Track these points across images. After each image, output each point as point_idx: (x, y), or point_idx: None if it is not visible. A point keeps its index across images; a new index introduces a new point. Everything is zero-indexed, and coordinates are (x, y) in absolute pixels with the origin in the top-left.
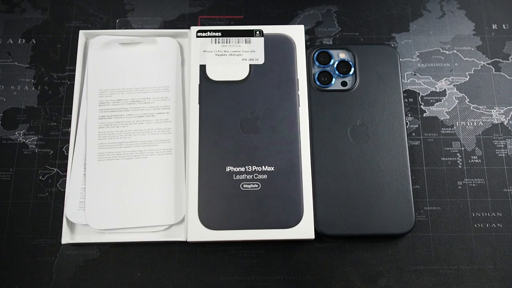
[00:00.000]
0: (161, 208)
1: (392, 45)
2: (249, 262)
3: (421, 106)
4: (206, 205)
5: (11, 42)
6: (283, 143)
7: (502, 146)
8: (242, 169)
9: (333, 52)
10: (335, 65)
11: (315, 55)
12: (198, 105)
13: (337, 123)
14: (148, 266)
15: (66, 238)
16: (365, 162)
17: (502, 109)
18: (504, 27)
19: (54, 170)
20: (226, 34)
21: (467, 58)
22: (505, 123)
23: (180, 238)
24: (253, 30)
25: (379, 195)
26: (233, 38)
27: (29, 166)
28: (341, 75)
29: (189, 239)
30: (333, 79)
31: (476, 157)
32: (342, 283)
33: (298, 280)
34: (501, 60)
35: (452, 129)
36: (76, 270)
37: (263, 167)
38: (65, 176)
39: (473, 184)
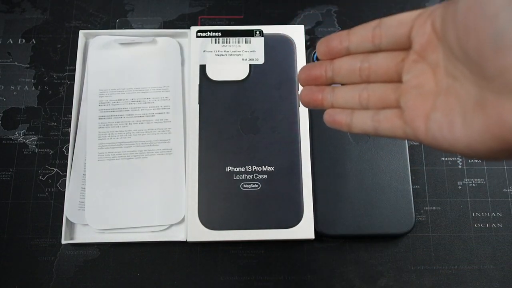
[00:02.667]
0: (161, 208)
1: None
2: (249, 262)
3: None
4: (206, 205)
5: (11, 42)
6: (283, 143)
7: None
8: (242, 169)
9: None
10: None
11: (315, 55)
12: (198, 105)
13: None
14: (148, 266)
15: (66, 238)
16: (365, 162)
17: None
18: None
19: (54, 170)
20: (226, 34)
21: None
22: None
23: (180, 238)
24: (253, 30)
25: (379, 195)
26: (233, 38)
27: (29, 166)
28: None
29: (189, 239)
30: None
31: None
32: (342, 283)
33: (298, 280)
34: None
35: None
36: (76, 270)
37: (263, 167)
38: (65, 176)
39: (473, 184)
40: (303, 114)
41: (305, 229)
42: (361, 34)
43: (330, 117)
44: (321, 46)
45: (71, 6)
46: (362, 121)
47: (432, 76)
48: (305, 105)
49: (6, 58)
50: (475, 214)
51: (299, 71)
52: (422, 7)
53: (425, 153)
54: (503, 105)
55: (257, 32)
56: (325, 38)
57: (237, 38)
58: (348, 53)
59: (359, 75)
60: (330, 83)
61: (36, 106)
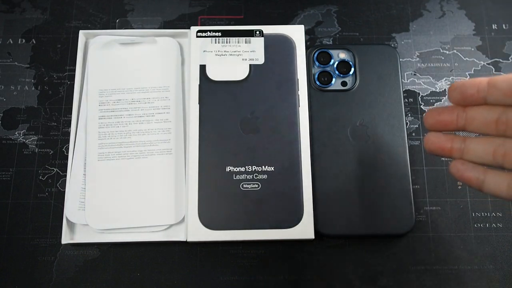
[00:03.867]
0: (161, 208)
1: (392, 45)
2: (249, 262)
3: (421, 106)
4: (206, 205)
5: (11, 42)
6: (283, 143)
7: None
8: (242, 169)
9: (333, 52)
10: (335, 65)
11: (315, 55)
12: (198, 105)
13: (337, 123)
14: (148, 266)
15: (66, 238)
16: (365, 162)
17: None
18: (504, 27)
19: (54, 170)
20: (226, 34)
21: (467, 58)
22: None
23: (180, 238)
24: (253, 30)
25: (379, 195)
26: (233, 38)
27: (29, 166)
28: (341, 75)
29: (189, 239)
30: (333, 79)
31: None
32: (342, 283)
33: (298, 280)
34: (501, 60)
35: None
36: (76, 270)
37: (263, 167)
38: (65, 176)
39: None
40: (303, 114)
41: (305, 229)
42: (504, 88)
43: (459, 172)
44: (454, 93)
45: (71, 6)
46: (495, 185)
47: None
48: (429, 151)
49: (6, 58)
50: (475, 214)
51: (426, 114)
52: (422, 7)
53: (425, 153)
54: None
55: (257, 32)
56: (460, 83)
57: (237, 38)
58: (484, 103)
59: (494, 128)
60: (459, 130)
61: (36, 106)
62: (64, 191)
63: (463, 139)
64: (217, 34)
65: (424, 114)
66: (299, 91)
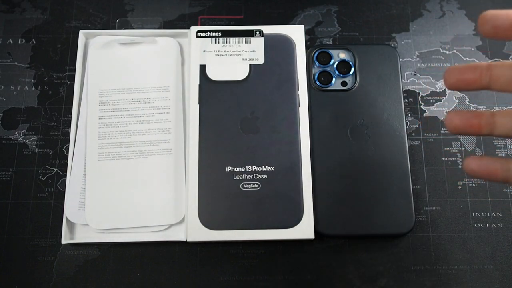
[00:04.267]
0: (161, 208)
1: (392, 45)
2: (249, 262)
3: (421, 106)
4: (206, 205)
5: (11, 42)
6: (283, 143)
7: (502, 146)
8: (242, 169)
9: (333, 52)
10: (335, 65)
11: (315, 55)
12: (198, 105)
13: (337, 123)
14: (148, 266)
15: (66, 238)
16: (365, 162)
17: (502, 108)
18: None
19: (54, 170)
20: (226, 34)
21: (467, 58)
22: None
23: (180, 238)
24: (253, 30)
25: (379, 195)
26: (233, 38)
27: (29, 166)
28: (341, 75)
29: (189, 239)
30: (333, 79)
31: None
32: (342, 283)
33: (298, 280)
34: (501, 60)
35: None
36: (76, 270)
37: (263, 167)
38: (65, 176)
39: (473, 184)
40: (303, 114)
41: (305, 229)
42: None
43: (481, 168)
44: (486, 25)
45: (71, 6)
46: None
47: None
48: (454, 130)
49: (6, 58)
50: (475, 214)
51: (446, 72)
52: (422, 7)
53: (425, 153)
54: None
55: (257, 32)
56: (493, 14)
57: (237, 38)
58: None
59: None
60: (482, 89)
61: (36, 106)
62: (64, 191)
63: (491, 114)
64: (217, 34)
65: (444, 73)
66: (299, 91)
